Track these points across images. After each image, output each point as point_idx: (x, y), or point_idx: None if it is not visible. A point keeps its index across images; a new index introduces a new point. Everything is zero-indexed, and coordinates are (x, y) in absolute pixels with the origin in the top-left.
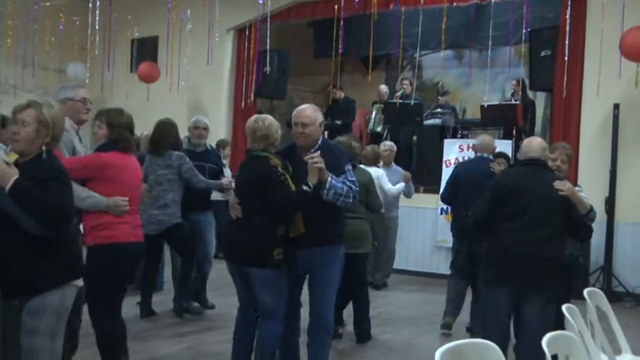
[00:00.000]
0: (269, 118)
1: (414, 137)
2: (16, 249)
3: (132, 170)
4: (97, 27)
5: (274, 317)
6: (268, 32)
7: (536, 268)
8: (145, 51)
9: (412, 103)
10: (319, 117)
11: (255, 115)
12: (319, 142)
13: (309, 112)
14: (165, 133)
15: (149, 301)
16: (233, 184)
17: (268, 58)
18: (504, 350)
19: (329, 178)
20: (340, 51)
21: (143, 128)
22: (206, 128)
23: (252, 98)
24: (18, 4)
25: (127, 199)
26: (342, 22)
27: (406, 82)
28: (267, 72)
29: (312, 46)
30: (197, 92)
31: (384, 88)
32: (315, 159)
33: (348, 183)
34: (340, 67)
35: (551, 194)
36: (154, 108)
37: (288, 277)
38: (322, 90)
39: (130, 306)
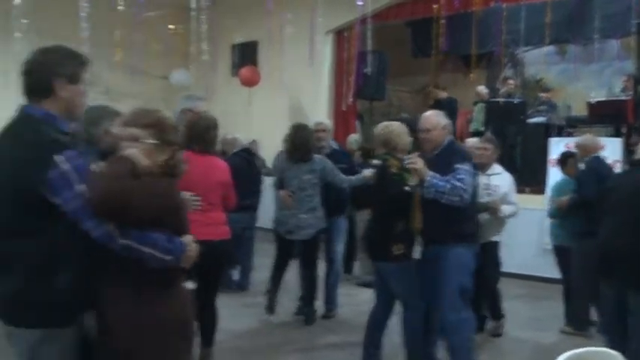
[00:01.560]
0: (393, 125)
1: (518, 137)
2: None
3: (203, 170)
4: (201, 33)
5: (407, 308)
6: (369, 33)
7: None
8: (246, 55)
9: (515, 102)
10: (441, 122)
11: (383, 122)
12: (444, 144)
13: (431, 118)
14: (306, 138)
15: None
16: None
17: (370, 59)
18: None
19: (428, 177)
20: (445, 49)
21: (245, 131)
22: (325, 130)
23: (352, 100)
24: (126, 15)
25: (196, 196)
26: (442, 21)
27: (510, 80)
28: (369, 73)
29: (410, 45)
30: (297, 95)
31: (482, 88)
32: (411, 160)
33: (452, 181)
34: (439, 66)
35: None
36: (256, 112)
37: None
38: (420, 90)
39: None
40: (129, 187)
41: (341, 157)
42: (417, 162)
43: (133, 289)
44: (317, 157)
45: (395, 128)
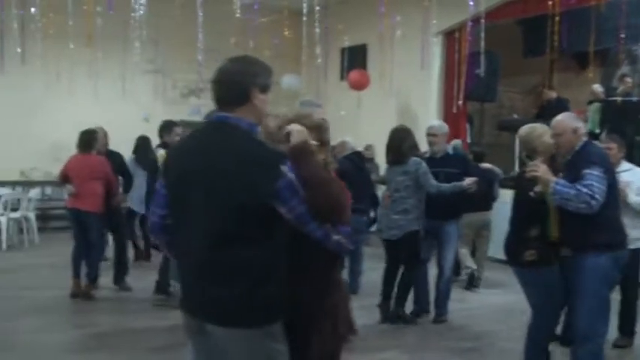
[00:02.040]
0: (535, 127)
1: (636, 137)
2: None
3: None
4: (312, 38)
5: (537, 316)
6: (483, 34)
7: None
8: (355, 59)
9: (634, 100)
10: (571, 125)
11: (527, 124)
12: (577, 147)
13: (561, 122)
14: (399, 140)
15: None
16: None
17: (483, 60)
18: None
19: (552, 184)
20: (562, 48)
21: (354, 135)
22: (435, 134)
23: (462, 101)
24: (237, 22)
25: None
26: (557, 18)
27: (627, 78)
28: (482, 74)
29: (520, 45)
30: (406, 98)
31: (597, 87)
32: (532, 167)
33: (578, 187)
34: (551, 65)
35: None
36: (365, 115)
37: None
38: (532, 90)
39: None
40: (340, 188)
41: (454, 162)
42: (538, 168)
43: (328, 283)
44: (413, 159)
45: (535, 130)
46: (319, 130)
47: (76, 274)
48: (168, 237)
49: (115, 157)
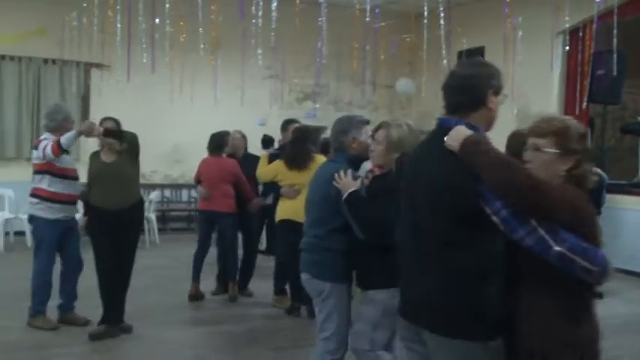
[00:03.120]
0: None
1: None
2: (356, 250)
3: None
4: (430, 41)
5: None
6: (615, 30)
7: None
8: None
9: None
10: None
11: None
12: None
13: None
14: (522, 145)
15: None
16: None
17: (615, 59)
18: None
19: None
20: None
21: None
22: None
23: (585, 104)
24: (355, 26)
25: None
26: None
27: None
28: (613, 73)
29: None
30: (525, 100)
31: None
32: None
33: None
34: None
35: None
36: None
37: None
38: None
39: None
40: (543, 184)
41: None
42: None
43: (554, 301)
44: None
45: None
46: (562, 136)
47: (196, 278)
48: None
49: (251, 160)
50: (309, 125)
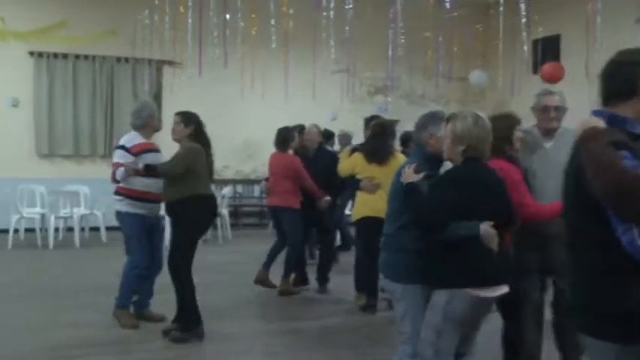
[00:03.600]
0: None
1: None
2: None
3: None
4: (503, 30)
5: None
6: None
7: None
8: (548, 50)
9: None
10: None
11: None
12: None
13: None
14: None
15: None
16: None
17: None
18: None
19: None
20: None
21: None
22: None
23: None
24: (425, 18)
25: None
26: None
27: None
28: None
29: None
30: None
31: None
32: None
33: None
34: None
35: None
36: None
37: None
38: None
39: None
40: None
41: None
42: None
43: None
44: None
45: None
46: None
47: (266, 266)
48: None
49: (324, 154)
50: (387, 119)
